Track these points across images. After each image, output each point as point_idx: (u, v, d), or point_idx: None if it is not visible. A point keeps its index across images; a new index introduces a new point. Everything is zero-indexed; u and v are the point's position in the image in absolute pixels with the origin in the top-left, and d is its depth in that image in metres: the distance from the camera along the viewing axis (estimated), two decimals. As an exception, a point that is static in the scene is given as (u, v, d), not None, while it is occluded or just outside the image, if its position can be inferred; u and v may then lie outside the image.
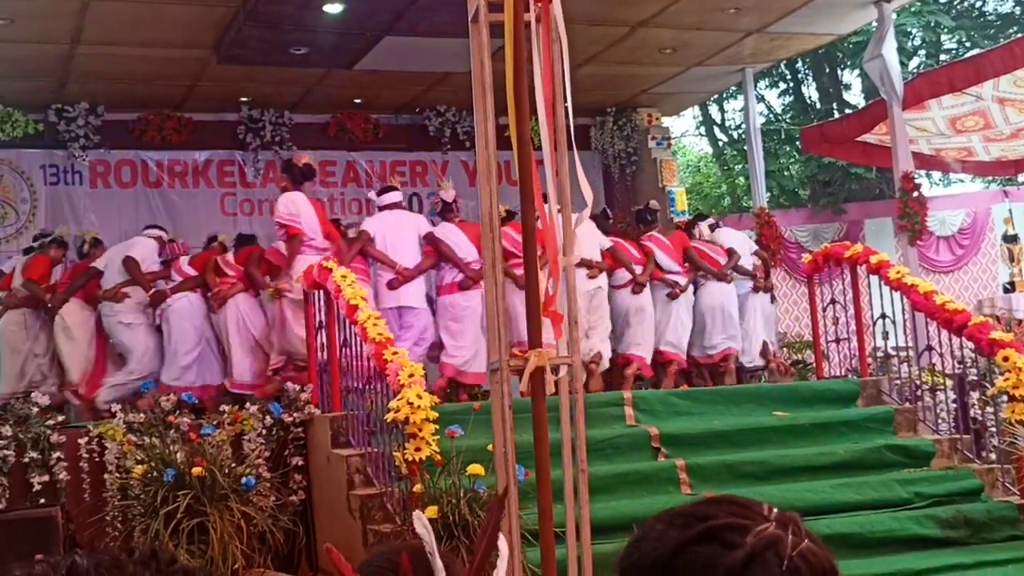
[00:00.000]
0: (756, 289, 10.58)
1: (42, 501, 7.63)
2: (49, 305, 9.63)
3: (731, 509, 1.16)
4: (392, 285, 9.00)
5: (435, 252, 9.24)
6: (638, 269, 9.96)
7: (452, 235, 9.29)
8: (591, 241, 9.53)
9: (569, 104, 3.26)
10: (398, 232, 9.23)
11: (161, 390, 8.76)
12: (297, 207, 8.91)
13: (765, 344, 10.50)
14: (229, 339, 9.37)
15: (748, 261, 10.70)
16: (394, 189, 9.74)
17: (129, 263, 9.49)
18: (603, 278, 9.66)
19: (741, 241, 10.90)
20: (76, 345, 9.61)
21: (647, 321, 9.91)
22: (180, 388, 8.92)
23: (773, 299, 11.17)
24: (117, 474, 7.51)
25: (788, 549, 1.11)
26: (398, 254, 9.09)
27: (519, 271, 9.03)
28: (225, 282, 9.49)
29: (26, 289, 9.74)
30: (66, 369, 9.63)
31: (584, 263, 9.24)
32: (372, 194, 10.04)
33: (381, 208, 9.53)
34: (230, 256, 9.82)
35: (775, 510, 1.17)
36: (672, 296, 10.05)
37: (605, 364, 9.62)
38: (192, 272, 9.73)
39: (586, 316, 9.34)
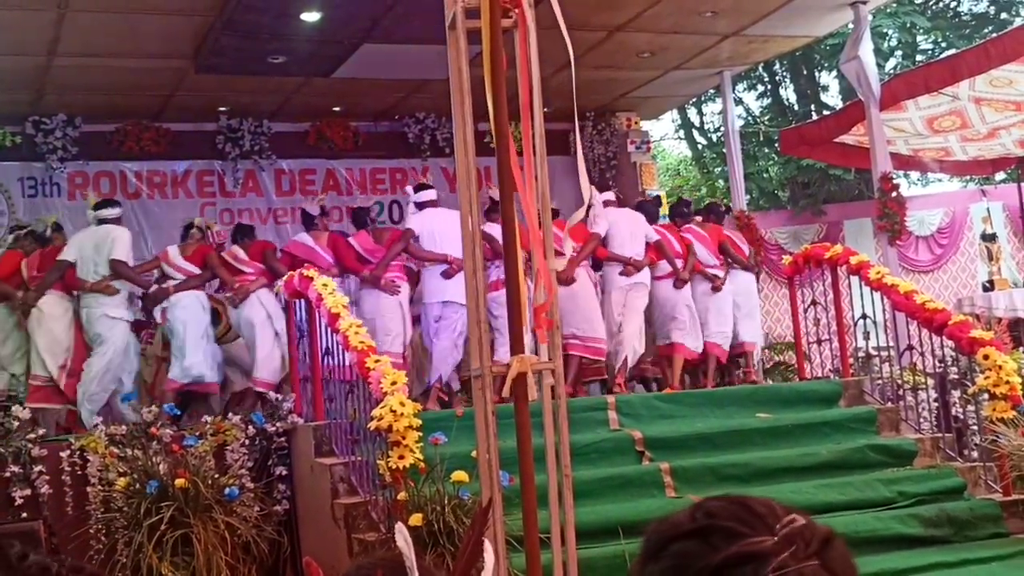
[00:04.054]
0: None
1: (24, 515, 7.57)
2: (22, 301, 9.18)
3: (740, 513, 1.13)
4: (449, 274, 9.03)
5: (489, 249, 9.10)
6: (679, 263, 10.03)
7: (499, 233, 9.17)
8: (636, 233, 9.77)
9: (574, 105, 3.25)
10: (443, 227, 9.14)
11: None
12: None
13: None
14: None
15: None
16: (430, 187, 9.74)
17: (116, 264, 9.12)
18: (644, 274, 9.76)
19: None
20: (53, 336, 9.19)
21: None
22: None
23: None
24: (100, 487, 7.46)
25: (770, 568, 1.05)
26: (449, 248, 9.03)
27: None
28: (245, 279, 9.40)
29: None
30: (40, 361, 9.13)
31: (618, 259, 9.61)
32: (409, 188, 9.97)
33: (420, 205, 9.47)
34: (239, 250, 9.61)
35: (798, 522, 1.11)
36: (715, 289, 10.13)
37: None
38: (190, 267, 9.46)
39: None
